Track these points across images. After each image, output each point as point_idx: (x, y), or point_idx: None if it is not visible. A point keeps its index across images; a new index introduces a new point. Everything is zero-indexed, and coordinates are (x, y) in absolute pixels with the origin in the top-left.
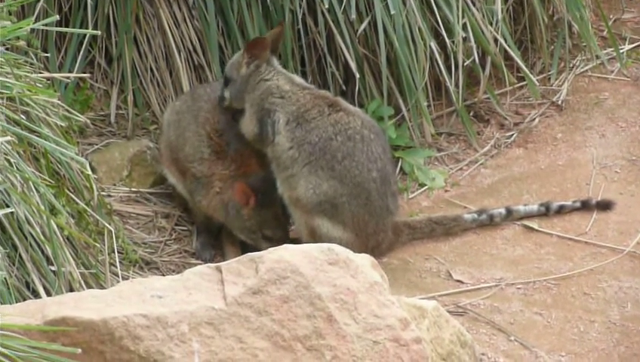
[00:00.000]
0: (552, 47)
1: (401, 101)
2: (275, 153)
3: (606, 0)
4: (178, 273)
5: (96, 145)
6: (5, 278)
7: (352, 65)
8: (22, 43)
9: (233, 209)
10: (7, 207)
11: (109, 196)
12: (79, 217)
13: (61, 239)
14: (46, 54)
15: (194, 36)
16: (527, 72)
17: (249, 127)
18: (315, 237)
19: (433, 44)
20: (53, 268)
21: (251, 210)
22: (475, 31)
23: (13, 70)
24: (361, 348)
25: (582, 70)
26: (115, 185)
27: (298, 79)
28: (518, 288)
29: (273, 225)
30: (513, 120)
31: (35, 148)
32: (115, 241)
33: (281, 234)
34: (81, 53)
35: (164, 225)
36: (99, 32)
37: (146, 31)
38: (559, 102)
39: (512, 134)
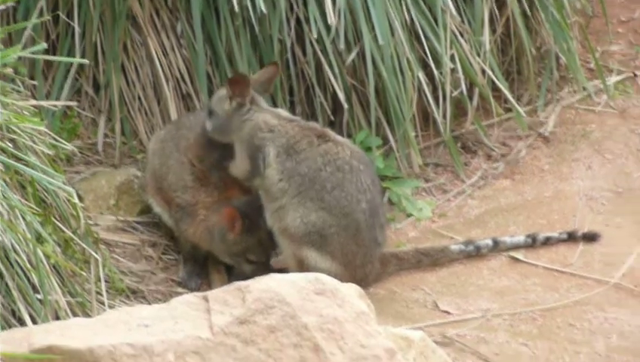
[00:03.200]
0: (540, 78)
1: (388, 131)
2: (264, 186)
3: (593, 32)
4: (165, 302)
5: (84, 173)
6: None
7: (341, 95)
8: (9, 70)
9: (219, 233)
10: None
11: (96, 225)
12: (66, 245)
13: (47, 267)
14: (33, 82)
15: (182, 65)
16: (515, 103)
17: (241, 167)
18: (303, 267)
19: (421, 75)
20: (39, 297)
21: (237, 235)
22: (462, 62)
23: (0, 98)
24: None
25: (569, 102)
26: (101, 213)
27: (284, 113)
28: (504, 319)
29: (257, 250)
30: (500, 151)
31: (21, 176)
32: (101, 270)
33: (265, 258)
34: (69, 81)
35: (151, 254)
36: (86, 61)
37: (134, 59)
38: (546, 134)
39: (499, 165)
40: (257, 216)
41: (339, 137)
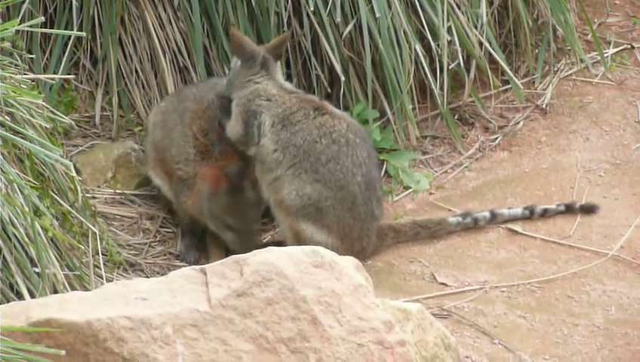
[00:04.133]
0: (537, 50)
1: (386, 104)
2: (259, 156)
3: (591, 4)
4: (162, 275)
5: (81, 146)
6: None
7: (337, 67)
8: (7, 44)
9: (205, 194)
10: None
11: (94, 198)
12: (63, 219)
13: (45, 241)
14: (31, 55)
15: (179, 38)
16: (512, 75)
17: (234, 129)
18: (299, 240)
19: (418, 47)
20: (37, 270)
21: (218, 194)
22: (460, 34)
23: None
24: (346, 350)
25: (566, 74)
26: (99, 186)
27: (288, 85)
28: (502, 291)
29: (237, 216)
30: (498, 123)
31: (19, 149)
32: (99, 243)
33: (245, 228)
34: (66, 54)
35: (149, 227)
36: (84, 34)
37: (131, 32)
38: (543, 106)
39: (497, 137)
40: (241, 181)
41: (336, 110)
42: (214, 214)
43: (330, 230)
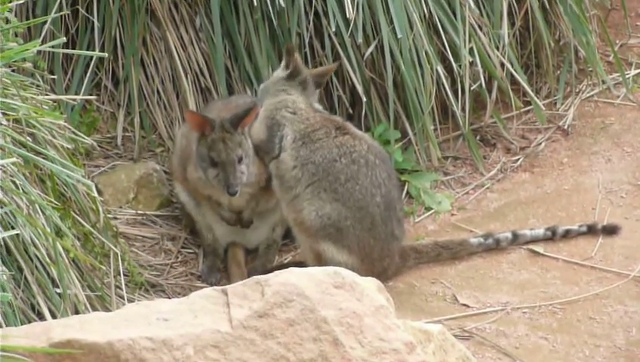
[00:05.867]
0: (559, 71)
1: (407, 125)
2: (279, 171)
3: (612, 25)
4: (184, 296)
5: (103, 167)
6: (11, 300)
7: (359, 88)
8: (28, 65)
9: (193, 138)
10: (13, 229)
11: (115, 218)
12: (85, 239)
13: (67, 261)
14: (52, 76)
15: (201, 58)
16: (534, 96)
17: (257, 132)
18: (320, 261)
19: (440, 68)
20: (58, 291)
21: (198, 130)
22: (481, 55)
23: (20, 92)
24: None
25: (588, 95)
26: (121, 207)
27: (317, 105)
28: (524, 312)
29: (219, 148)
30: (519, 144)
31: (41, 170)
32: (120, 264)
33: (227, 160)
34: (88, 75)
35: (170, 248)
36: (106, 54)
37: (153, 53)
38: (565, 127)
39: (519, 158)
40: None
41: (358, 131)
42: (201, 155)
43: (350, 251)
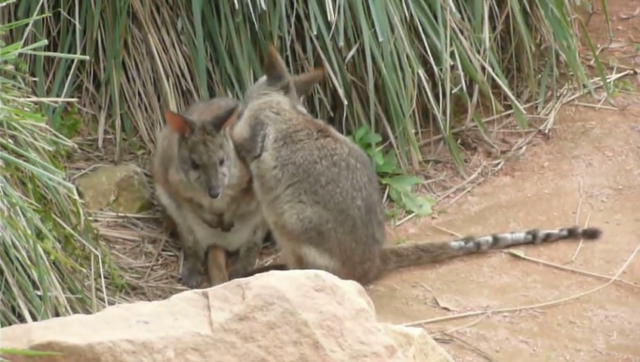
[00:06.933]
0: (540, 75)
1: (388, 128)
2: (259, 171)
3: (593, 29)
4: (164, 298)
5: (84, 169)
6: None
7: (340, 91)
8: (10, 67)
9: (175, 140)
10: None
11: (96, 221)
12: (66, 242)
13: (47, 264)
14: (34, 78)
15: (182, 61)
16: (515, 100)
17: (240, 131)
18: (302, 265)
19: (421, 72)
20: (39, 293)
21: (180, 132)
22: (462, 59)
23: (1, 94)
24: None
25: (569, 99)
26: (101, 209)
27: (300, 107)
28: (505, 316)
29: (200, 150)
30: (500, 148)
31: (22, 172)
32: (101, 266)
33: (208, 161)
34: (69, 77)
35: (151, 251)
36: (87, 57)
37: (135, 56)
38: (546, 131)
39: (499, 162)
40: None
41: (340, 135)
42: (183, 158)
43: (332, 254)
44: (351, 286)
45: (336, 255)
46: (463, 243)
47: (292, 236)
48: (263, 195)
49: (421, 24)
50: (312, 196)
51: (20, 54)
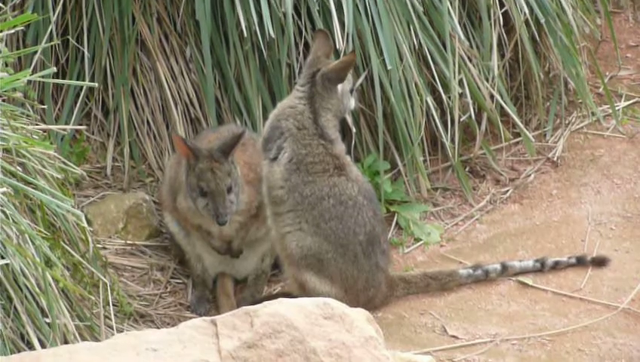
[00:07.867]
0: (548, 103)
1: (397, 156)
2: (269, 175)
3: (602, 57)
4: (173, 326)
5: (92, 197)
6: (0, 330)
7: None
8: (18, 95)
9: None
10: (3, 258)
11: (105, 248)
12: (74, 269)
13: (56, 291)
14: (43, 106)
15: (191, 89)
16: (523, 128)
17: (267, 123)
18: (304, 291)
19: (429, 100)
20: (47, 321)
21: (187, 157)
22: (471, 87)
23: (10, 122)
24: None
25: (577, 127)
26: (110, 237)
27: (332, 133)
28: (513, 344)
29: (208, 178)
30: (509, 176)
31: (30, 200)
32: (110, 294)
33: (216, 189)
34: (78, 105)
35: (160, 278)
36: (96, 84)
37: (143, 83)
38: (555, 159)
39: (508, 190)
40: (203, 147)
41: (353, 173)
42: (192, 185)
43: (333, 281)
44: (360, 314)
45: (338, 282)
46: (471, 270)
47: (292, 261)
48: (268, 201)
49: (430, 52)
50: (314, 228)
51: (29, 82)
